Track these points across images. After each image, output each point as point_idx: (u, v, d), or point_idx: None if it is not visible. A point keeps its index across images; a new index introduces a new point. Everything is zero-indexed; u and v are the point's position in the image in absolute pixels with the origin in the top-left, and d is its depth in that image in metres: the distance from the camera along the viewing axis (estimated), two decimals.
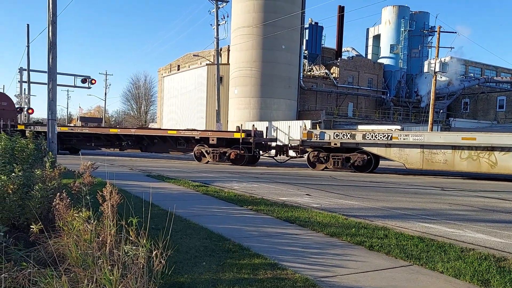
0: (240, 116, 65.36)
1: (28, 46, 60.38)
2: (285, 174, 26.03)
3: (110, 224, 5.30)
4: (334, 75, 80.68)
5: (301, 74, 73.28)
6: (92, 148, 39.12)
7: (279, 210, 11.52)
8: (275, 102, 66.15)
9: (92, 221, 5.44)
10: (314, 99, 77.95)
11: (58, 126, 37.45)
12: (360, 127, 65.92)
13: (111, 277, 4.10)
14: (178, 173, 22.70)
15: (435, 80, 52.89)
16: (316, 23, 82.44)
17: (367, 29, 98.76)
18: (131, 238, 4.99)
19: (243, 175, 23.17)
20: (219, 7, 54.04)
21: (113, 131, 37.23)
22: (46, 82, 22.05)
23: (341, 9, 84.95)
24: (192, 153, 34.95)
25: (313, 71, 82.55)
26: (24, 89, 62.07)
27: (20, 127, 38.68)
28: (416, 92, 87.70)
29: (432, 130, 51.70)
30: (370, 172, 28.51)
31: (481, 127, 70.80)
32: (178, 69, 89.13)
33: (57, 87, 32.06)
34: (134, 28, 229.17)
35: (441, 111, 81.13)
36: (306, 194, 15.85)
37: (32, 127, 38.88)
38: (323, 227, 9.47)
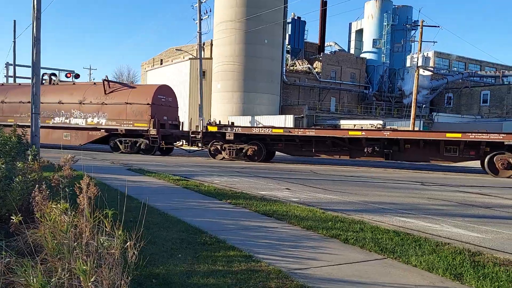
0: (223, 111, 65.47)
1: (14, 42, 60.17)
2: None
3: (87, 215, 5.37)
4: (316, 69, 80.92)
5: (284, 68, 73.53)
6: (309, 155, 31.59)
7: (257, 203, 11.59)
8: (258, 97, 66.34)
9: (69, 213, 5.50)
10: (297, 93, 78.18)
11: (268, 128, 32.59)
12: (342, 122, 66.25)
13: (84, 267, 4.17)
14: (159, 167, 22.68)
15: (418, 74, 53.14)
16: (299, 17, 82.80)
17: (350, 24, 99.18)
18: (107, 230, 5.07)
19: (223, 169, 23.19)
20: (202, 2, 53.96)
21: (354, 133, 29.46)
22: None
23: (324, 3, 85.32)
24: (464, 162, 28.46)
25: (296, 66, 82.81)
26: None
27: (211, 129, 32.69)
28: (398, 87, 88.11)
29: (414, 125, 52.00)
30: None
31: (464, 121, 71.24)
32: (161, 64, 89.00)
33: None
34: (117, 23, 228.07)
35: (424, 105, 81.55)
36: (286, 188, 15.94)
37: (228, 128, 32.36)
38: (300, 221, 9.56)
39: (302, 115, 65.85)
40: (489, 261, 7.03)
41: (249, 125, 53.10)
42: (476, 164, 28.18)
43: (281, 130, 31.51)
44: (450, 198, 15.15)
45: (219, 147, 32.25)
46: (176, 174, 18.44)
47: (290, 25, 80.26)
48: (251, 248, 7.23)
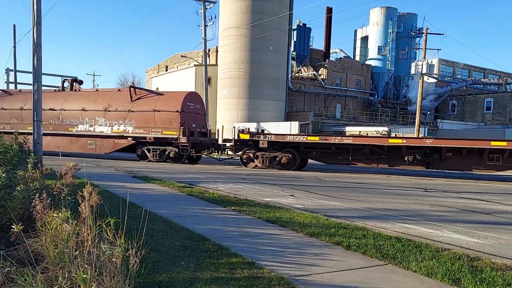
0: (229, 117, 65.54)
1: (14, 47, 60.13)
2: None
3: (89, 224, 5.42)
4: (322, 76, 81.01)
5: (289, 75, 73.66)
6: (345, 164, 30.53)
7: (261, 210, 11.64)
8: (264, 103, 66.38)
9: (71, 221, 5.55)
10: (302, 100, 78.27)
11: (303, 136, 31.36)
12: (348, 128, 66.27)
13: (84, 276, 4.21)
14: (164, 174, 22.69)
15: (422, 81, 53.21)
16: (304, 24, 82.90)
17: (355, 31, 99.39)
18: (109, 238, 5.13)
19: (229, 176, 23.24)
20: (207, 8, 54.14)
21: (394, 141, 28.54)
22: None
23: (329, 10, 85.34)
24: (508, 171, 27.39)
25: (301, 73, 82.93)
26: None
27: (243, 136, 31.89)
28: (403, 94, 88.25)
29: (419, 132, 52.04)
30: None
31: (468, 128, 71.33)
32: (166, 70, 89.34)
33: (44, 87, 31.58)
34: (122, 29, 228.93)
35: (429, 112, 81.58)
36: (290, 195, 15.97)
37: (261, 136, 31.71)
38: (303, 227, 9.60)
39: (308, 121, 65.91)
40: (487, 266, 7.12)
41: (255, 131, 53.02)
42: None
43: (317, 138, 30.81)
44: (451, 204, 15.19)
45: (251, 155, 31.51)
46: (181, 181, 18.48)
47: (295, 31, 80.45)
48: (254, 255, 7.27)
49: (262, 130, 34.50)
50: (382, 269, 6.88)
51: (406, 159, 27.51)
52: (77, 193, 5.88)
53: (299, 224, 9.95)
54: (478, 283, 6.26)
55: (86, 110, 36.14)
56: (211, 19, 55.08)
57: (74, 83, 40.63)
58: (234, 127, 34.88)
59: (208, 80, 58.75)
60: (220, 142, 35.50)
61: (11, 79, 62.10)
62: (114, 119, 35.29)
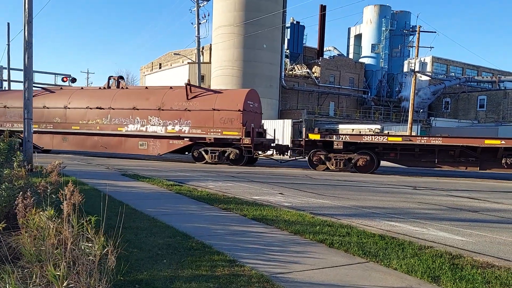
0: None
1: (8, 45, 59.94)
2: None
3: (70, 222, 5.45)
4: (315, 74, 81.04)
5: (283, 73, 73.61)
6: (429, 166, 28.32)
7: (248, 208, 11.68)
8: None
9: (48, 219, 5.58)
10: (296, 98, 78.31)
11: (382, 136, 29.93)
12: (341, 126, 66.29)
13: (58, 273, 4.23)
14: (155, 172, 22.69)
15: (415, 79, 53.30)
16: (298, 22, 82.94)
17: (349, 29, 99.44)
18: (88, 236, 5.16)
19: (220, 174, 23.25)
20: (200, 6, 53.97)
21: (491, 142, 26.13)
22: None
23: (323, 8, 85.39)
24: None
25: (294, 70, 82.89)
26: (5, 87, 61.69)
27: (313, 137, 30.12)
28: (397, 92, 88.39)
29: (411, 130, 52.14)
30: None
31: (461, 126, 71.49)
32: (160, 68, 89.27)
33: (38, 85, 31.41)
34: (116, 26, 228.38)
35: (422, 110, 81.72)
36: (279, 193, 16.00)
37: (334, 136, 30.13)
38: (288, 225, 9.66)
39: (301, 119, 65.92)
40: (468, 264, 7.20)
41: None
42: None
43: (399, 139, 28.72)
44: (440, 202, 15.27)
45: (322, 157, 29.54)
46: (171, 179, 18.50)
47: (289, 29, 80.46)
48: (237, 253, 7.32)
49: (328, 130, 32.67)
50: (363, 267, 6.94)
51: (503, 162, 25.64)
52: (59, 191, 5.90)
53: (285, 222, 9.99)
54: (457, 280, 6.33)
55: (137, 109, 34.67)
56: (205, 17, 54.95)
57: (121, 81, 39.23)
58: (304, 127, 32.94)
59: (202, 78, 58.67)
60: (279, 142, 34.35)
61: (5, 76, 61.82)
62: (168, 119, 33.69)
